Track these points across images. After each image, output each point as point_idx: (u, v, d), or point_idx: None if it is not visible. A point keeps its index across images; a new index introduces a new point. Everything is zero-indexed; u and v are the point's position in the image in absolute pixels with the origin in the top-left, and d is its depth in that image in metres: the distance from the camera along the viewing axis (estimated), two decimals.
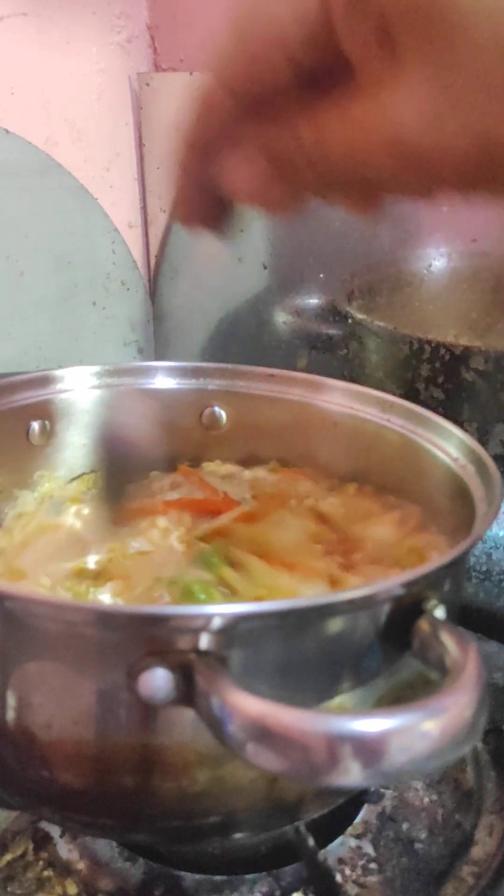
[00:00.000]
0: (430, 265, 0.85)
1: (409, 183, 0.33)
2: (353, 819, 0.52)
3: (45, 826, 0.51)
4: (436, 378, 0.71)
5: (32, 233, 0.90)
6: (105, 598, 0.49)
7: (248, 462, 0.66)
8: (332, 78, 0.33)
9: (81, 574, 0.52)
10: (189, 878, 0.48)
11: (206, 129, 0.38)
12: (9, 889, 0.47)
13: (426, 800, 0.54)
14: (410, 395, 0.72)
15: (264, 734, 0.31)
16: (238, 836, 0.46)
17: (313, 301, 0.87)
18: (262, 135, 0.36)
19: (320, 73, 0.34)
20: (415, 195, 0.35)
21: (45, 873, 0.48)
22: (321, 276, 0.90)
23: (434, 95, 0.30)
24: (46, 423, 0.63)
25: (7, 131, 0.86)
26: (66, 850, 0.49)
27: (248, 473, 0.65)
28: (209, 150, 0.38)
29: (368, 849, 0.50)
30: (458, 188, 0.33)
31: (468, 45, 0.29)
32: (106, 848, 0.49)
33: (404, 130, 0.31)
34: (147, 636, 0.36)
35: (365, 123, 0.33)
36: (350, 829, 0.51)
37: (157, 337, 1.06)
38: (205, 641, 0.35)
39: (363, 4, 0.31)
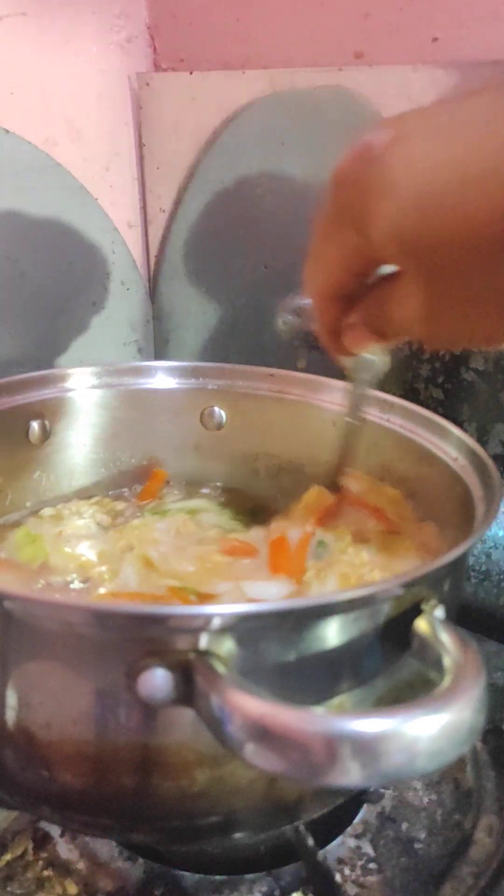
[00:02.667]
0: None
1: None
2: (353, 819, 0.52)
3: (45, 826, 0.51)
4: (436, 378, 0.71)
5: (32, 233, 0.90)
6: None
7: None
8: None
9: None
10: (189, 877, 0.48)
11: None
12: (9, 889, 0.47)
13: (426, 800, 0.54)
14: (410, 395, 0.72)
15: (263, 734, 0.31)
16: (238, 835, 0.45)
17: None
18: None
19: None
20: None
21: (45, 873, 0.48)
22: None
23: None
24: (46, 422, 0.63)
25: (7, 131, 0.85)
26: (65, 849, 0.49)
27: None
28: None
29: (368, 849, 0.50)
30: None
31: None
32: (106, 848, 0.49)
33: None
34: (146, 636, 0.36)
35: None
36: (349, 829, 0.51)
37: (157, 337, 1.06)
38: (204, 641, 0.35)
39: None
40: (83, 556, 0.56)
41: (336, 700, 0.39)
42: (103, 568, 0.54)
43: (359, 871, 0.49)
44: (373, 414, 0.60)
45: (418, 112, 0.40)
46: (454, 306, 0.39)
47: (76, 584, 0.54)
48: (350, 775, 0.30)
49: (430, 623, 0.38)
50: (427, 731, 0.30)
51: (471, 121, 0.37)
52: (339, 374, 0.65)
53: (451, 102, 0.39)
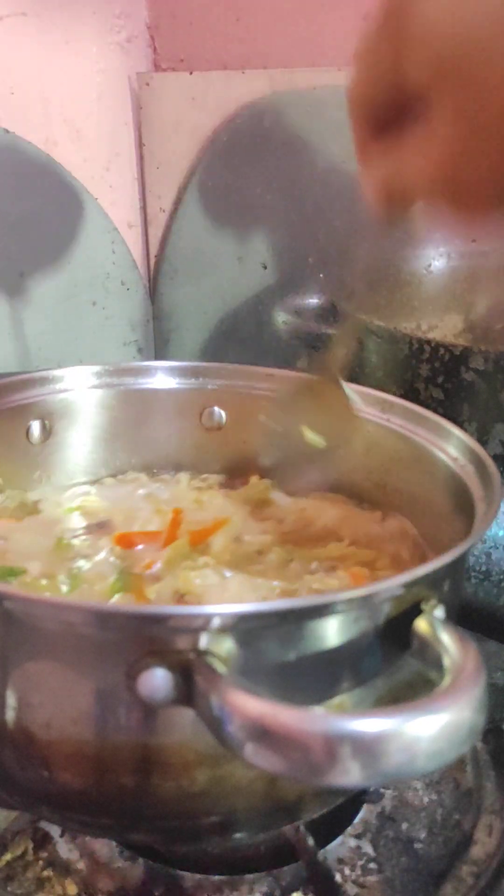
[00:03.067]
0: (429, 265, 0.85)
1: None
2: (353, 819, 0.52)
3: (45, 826, 0.51)
4: (436, 378, 0.71)
5: (32, 233, 0.90)
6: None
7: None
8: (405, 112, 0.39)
9: None
10: (189, 877, 0.48)
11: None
12: (9, 889, 0.47)
13: (426, 799, 0.54)
14: (410, 395, 0.72)
15: (263, 734, 0.31)
16: (238, 835, 0.45)
17: (313, 301, 0.87)
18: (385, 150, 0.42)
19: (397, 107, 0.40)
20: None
21: (45, 873, 0.48)
22: (321, 276, 0.90)
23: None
24: (46, 422, 0.63)
25: (7, 131, 0.86)
26: (66, 849, 0.49)
27: None
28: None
29: (368, 848, 0.50)
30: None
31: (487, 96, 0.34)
32: (106, 848, 0.49)
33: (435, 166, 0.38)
34: (146, 636, 0.36)
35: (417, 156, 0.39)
36: (350, 829, 0.51)
37: (157, 337, 1.06)
38: (204, 641, 0.35)
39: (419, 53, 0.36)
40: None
41: (336, 700, 0.39)
42: None
43: (359, 871, 0.49)
44: (373, 414, 0.60)
45: None
46: (485, 150, 0.35)
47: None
48: (350, 775, 0.30)
49: (431, 623, 0.38)
50: (427, 731, 0.30)
51: None
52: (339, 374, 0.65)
53: None
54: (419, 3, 0.36)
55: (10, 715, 0.39)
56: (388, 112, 0.40)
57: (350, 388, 0.59)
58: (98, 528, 0.59)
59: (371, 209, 0.45)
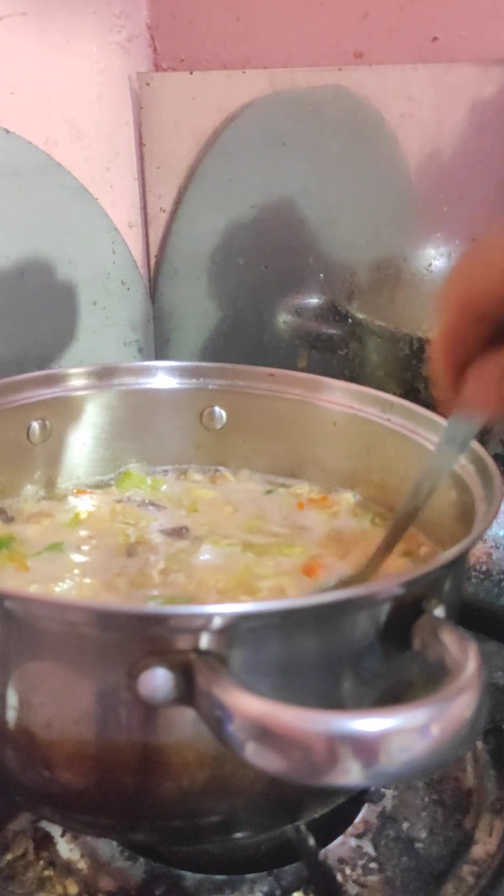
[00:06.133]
0: (430, 265, 0.85)
1: None
2: (354, 819, 0.52)
3: (46, 826, 0.51)
4: None
5: (32, 233, 0.90)
6: None
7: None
8: None
9: None
10: (190, 877, 0.48)
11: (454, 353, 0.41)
12: (10, 888, 0.47)
13: (426, 799, 0.54)
14: (410, 395, 0.72)
15: (264, 734, 0.31)
16: (238, 835, 0.46)
17: (313, 301, 0.87)
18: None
19: None
20: None
21: (46, 873, 0.48)
22: (321, 276, 0.90)
23: None
24: (46, 422, 0.63)
25: (7, 131, 0.85)
26: (66, 849, 0.49)
27: None
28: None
29: (369, 848, 0.50)
30: None
31: None
32: (107, 847, 0.49)
33: None
34: (147, 636, 0.36)
35: None
36: (350, 829, 0.51)
37: (157, 337, 1.06)
38: (205, 641, 0.35)
39: None
40: None
41: (336, 700, 0.39)
42: None
43: (360, 871, 0.49)
44: (373, 414, 0.60)
45: None
46: None
47: None
48: (350, 775, 0.30)
49: (431, 623, 0.38)
50: (427, 731, 0.30)
51: None
52: (340, 374, 0.65)
53: None
54: None
55: (11, 715, 0.39)
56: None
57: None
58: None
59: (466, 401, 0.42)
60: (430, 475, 0.47)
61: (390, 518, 0.59)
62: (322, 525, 0.60)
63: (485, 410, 0.42)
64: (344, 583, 0.51)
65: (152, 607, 0.47)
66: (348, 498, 0.62)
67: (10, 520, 0.60)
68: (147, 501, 0.63)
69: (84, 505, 0.62)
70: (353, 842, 0.51)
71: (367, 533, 0.59)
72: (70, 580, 0.52)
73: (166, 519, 0.61)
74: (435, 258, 0.88)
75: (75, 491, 0.64)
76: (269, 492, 0.65)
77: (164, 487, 0.65)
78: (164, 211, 1.00)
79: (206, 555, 0.55)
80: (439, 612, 0.39)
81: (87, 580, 0.52)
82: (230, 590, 0.51)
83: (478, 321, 0.39)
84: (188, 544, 0.57)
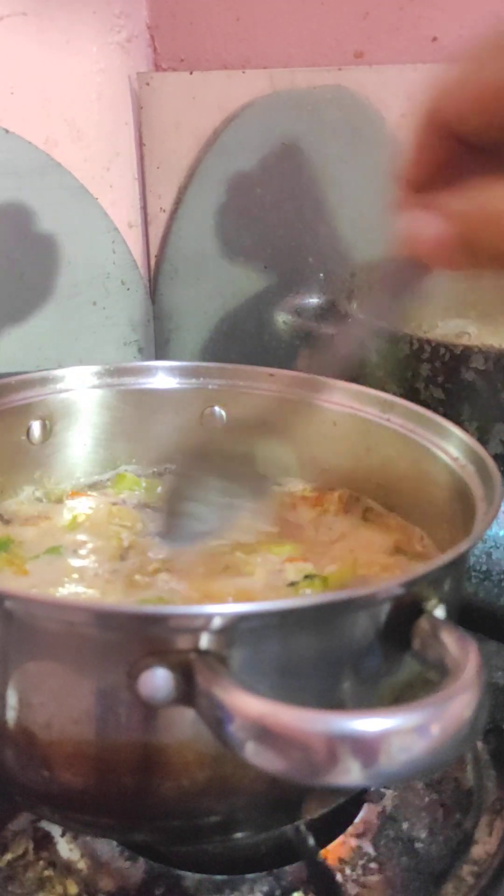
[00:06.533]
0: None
1: None
2: (354, 818, 0.52)
3: (46, 825, 0.51)
4: (436, 378, 0.71)
5: (32, 232, 0.90)
6: None
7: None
8: None
9: None
10: (190, 877, 0.48)
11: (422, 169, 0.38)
12: (9, 889, 0.47)
13: (426, 799, 0.54)
14: (410, 395, 0.72)
15: (264, 734, 0.31)
16: (238, 835, 0.46)
17: (313, 301, 0.87)
18: (465, 195, 0.36)
19: None
20: None
21: (46, 873, 0.48)
22: (321, 276, 0.90)
23: None
24: (46, 422, 0.63)
25: (7, 131, 0.86)
26: (66, 849, 0.49)
27: None
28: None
29: (369, 848, 0.50)
30: None
31: None
32: (106, 847, 0.49)
33: None
34: (147, 636, 0.36)
35: None
36: (350, 829, 0.51)
37: (157, 337, 1.06)
38: (205, 641, 0.35)
39: None
40: None
41: (336, 700, 0.39)
42: None
43: (360, 871, 0.49)
44: (373, 414, 0.60)
45: None
46: None
47: None
48: (351, 775, 0.30)
49: (431, 623, 0.38)
50: (427, 731, 0.30)
51: None
52: (339, 374, 0.65)
53: None
54: None
55: (10, 715, 0.39)
56: (481, 138, 0.35)
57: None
58: None
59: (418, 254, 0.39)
60: None
61: (382, 514, 0.60)
62: (312, 523, 0.60)
63: (435, 250, 0.39)
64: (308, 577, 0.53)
65: (152, 607, 0.47)
66: (340, 495, 0.63)
67: (7, 522, 0.60)
68: (142, 504, 0.63)
69: (81, 507, 0.62)
70: (353, 842, 0.51)
71: (358, 529, 0.59)
72: (68, 583, 0.52)
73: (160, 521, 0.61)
74: None
75: (71, 493, 0.64)
76: None
77: (159, 489, 0.65)
78: (164, 211, 1.00)
79: (192, 554, 0.55)
80: (439, 612, 0.39)
81: (84, 583, 0.53)
82: (211, 585, 0.51)
83: (444, 138, 0.37)
84: None
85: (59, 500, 0.63)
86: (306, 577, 0.52)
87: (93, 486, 0.65)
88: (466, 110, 0.35)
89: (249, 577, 0.53)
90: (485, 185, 0.35)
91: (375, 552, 0.56)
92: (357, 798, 0.53)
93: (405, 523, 0.59)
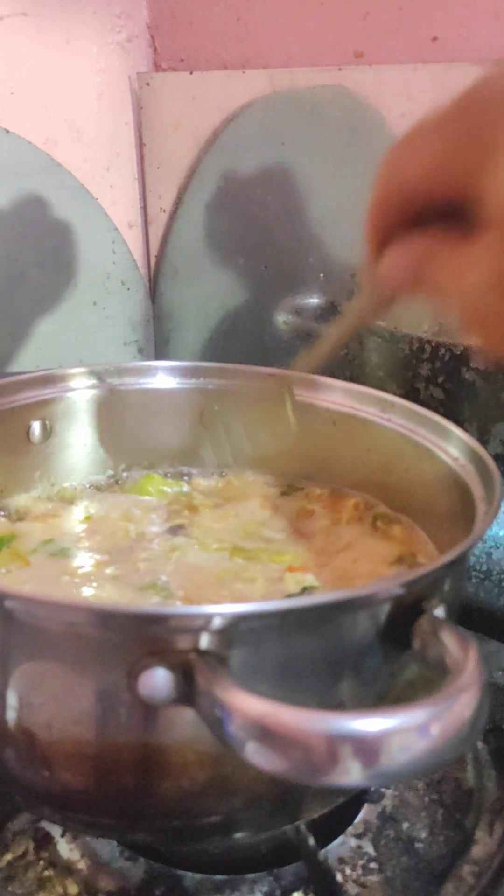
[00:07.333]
0: None
1: None
2: (354, 818, 0.52)
3: (46, 825, 0.51)
4: (436, 378, 0.71)
5: (32, 233, 0.90)
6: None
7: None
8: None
9: None
10: (190, 877, 0.48)
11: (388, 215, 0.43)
12: (9, 889, 0.47)
13: (426, 799, 0.54)
14: (410, 395, 0.72)
15: (264, 734, 0.31)
16: (238, 835, 0.46)
17: (313, 301, 0.87)
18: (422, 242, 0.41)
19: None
20: None
21: (46, 873, 0.48)
22: (321, 276, 0.90)
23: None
24: (46, 422, 0.63)
25: (7, 131, 0.86)
26: (66, 849, 0.49)
27: None
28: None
29: (369, 848, 0.50)
30: None
31: None
32: (106, 847, 0.49)
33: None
34: (147, 636, 0.36)
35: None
36: (350, 829, 0.51)
37: (157, 337, 1.06)
38: (205, 641, 0.35)
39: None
40: None
41: (336, 700, 0.39)
42: None
43: (360, 871, 0.49)
44: (373, 414, 0.60)
45: None
46: None
47: None
48: (351, 775, 0.30)
49: (431, 623, 0.38)
50: (428, 731, 0.30)
51: None
52: (340, 374, 0.65)
53: None
54: None
55: (11, 715, 0.39)
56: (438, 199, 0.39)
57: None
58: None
59: (379, 277, 0.44)
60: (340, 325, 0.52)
61: (391, 521, 0.59)
62: (324, 531, 0.60)
63: (393, 287, 0.43)
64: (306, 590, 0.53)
65: (152, 607, 0.47)
66: (356, 503, 0.62)
67: (11, 518, 0.60)
68: (157, 505, 0.63)
69: (84, 505, 0.62)
70: (353, 842, 0.51)
71: (364, 539, 0.59)
72: (70, 581, 0.52)
73: (165, 521, 0.61)
74: None
75: (76, 491, 0.64)
76: (284, 493, 0.65)
77: (166, 489, 0.65)
78: (164, 211, 1.00)
79: (191, 558, 0.55)
80: (439, 612, 0.39)
81: (87, 582, 0.53)
82: (203, 589, 0.51)
83: (404, 201, 0.41)
84: (183, 541, 0.57)
85: (64, 499, 0.63)
86: (304, 588, 0.52)
87: (96, 486, 0.65)
88: (415, 180, 0.40)
89: (251, 583, 0.53)
90: (435, 245, 0.39)
91: (377, 562, 0.56)
92: (357, 798, 0.53)
93: (410, 534, 0.59)
